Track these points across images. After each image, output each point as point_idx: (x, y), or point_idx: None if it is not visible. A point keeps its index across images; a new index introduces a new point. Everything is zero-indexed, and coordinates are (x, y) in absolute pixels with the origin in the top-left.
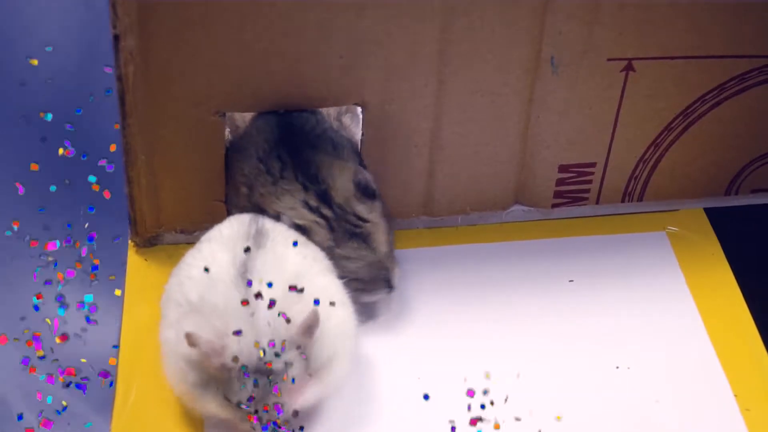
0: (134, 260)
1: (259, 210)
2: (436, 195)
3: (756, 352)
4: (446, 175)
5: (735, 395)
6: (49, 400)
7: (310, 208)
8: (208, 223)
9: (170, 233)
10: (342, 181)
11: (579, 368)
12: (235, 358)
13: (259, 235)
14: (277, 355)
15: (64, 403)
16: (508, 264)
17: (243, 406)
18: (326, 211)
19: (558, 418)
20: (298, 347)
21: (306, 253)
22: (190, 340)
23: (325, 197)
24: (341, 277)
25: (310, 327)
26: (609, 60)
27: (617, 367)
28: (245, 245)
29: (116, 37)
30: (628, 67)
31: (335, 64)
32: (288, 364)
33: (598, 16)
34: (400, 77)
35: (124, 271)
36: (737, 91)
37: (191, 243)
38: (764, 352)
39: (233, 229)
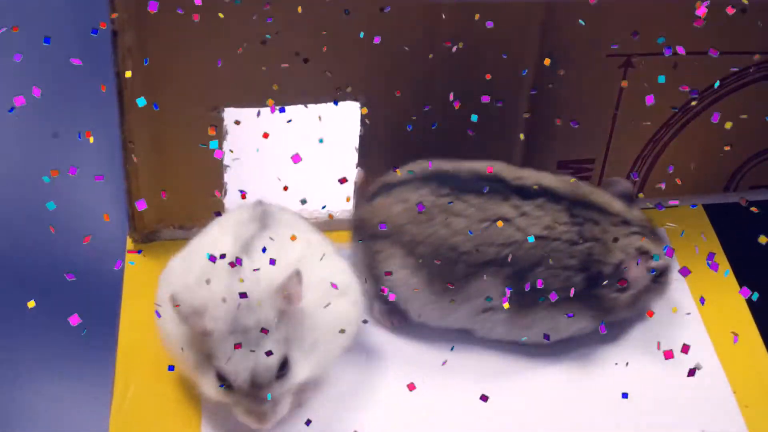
0: (132, 256)
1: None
2: None
3: (755, 348)
4: None
5: (734, 392)
6: None
7: (629, 234)
8: (206, 219)
9: (168, 229)
10: (618, 204)
11: (576, 362)
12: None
13: (265, 217)
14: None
15: None
16: None
17: (227, 375)
18: (635, 228)
19: (559, 412)
20: (279, 312)
21: (311, 239)
22: (173, 300)
23: (626, 222)
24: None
25: (288, 289)
26: (608, 56)
27: (616, 364)
28: (251, 228)
29: (114, 34)
30: (627, 63)
31: (334, 60)
32: (263, 325)
33: (597, 12)
34: (398, 73)
35: (123, 267)
36: (736, 88)
37: (190, 239)
38: (763, 348)
39: (240, 213)
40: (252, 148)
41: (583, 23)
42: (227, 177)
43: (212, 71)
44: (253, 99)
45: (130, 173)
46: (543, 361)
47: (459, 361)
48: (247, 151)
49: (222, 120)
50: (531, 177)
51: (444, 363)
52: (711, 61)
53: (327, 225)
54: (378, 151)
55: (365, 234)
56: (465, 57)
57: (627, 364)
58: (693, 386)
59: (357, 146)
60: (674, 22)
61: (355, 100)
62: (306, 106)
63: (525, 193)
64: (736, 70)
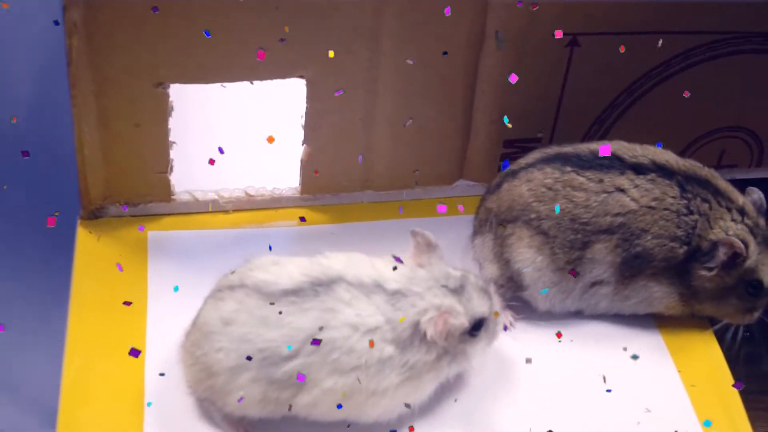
0: (80, 233)
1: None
2: (380, 170)
3: (699, 327)
4: (390, 149)
5: (679, 371)
6: None
7: (737, 222)
8: (152, 196)
9: (114, 205)
10: (743, 198)
11: (527, 342)
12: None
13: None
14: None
15: None
16: (453, 238)
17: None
18: (747, 221)
19: (510, 400)
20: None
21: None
22: (447, 323)
23: (741, 212)
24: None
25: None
26: (554, 35)
27: (560, 341)
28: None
29: (64, 9)
30: (573, 43)
31: (280, 37)
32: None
33: None
34: (343, 51)
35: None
36: (682, 68)
37: (136, 216)
38: (709, 328)
39: (271, 273)
40: (198, 124)
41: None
42: (173, 154)
43: (157, 47)
44: (198, 76)
45: (77, 148)
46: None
47: None
48: (193, 128)
49: (167, 96)
50: (647, 154)
51: None
52: (657, 40)
53: (273, 203)
54: (325, 129)
55: (494, 222)
56: (409, 35)
57: (571, 340)
58: (638, 366)
59: (303, 123)
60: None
61: (302, 77)
62: (252, 83)
63: (639, 168)
64: (682, 50)
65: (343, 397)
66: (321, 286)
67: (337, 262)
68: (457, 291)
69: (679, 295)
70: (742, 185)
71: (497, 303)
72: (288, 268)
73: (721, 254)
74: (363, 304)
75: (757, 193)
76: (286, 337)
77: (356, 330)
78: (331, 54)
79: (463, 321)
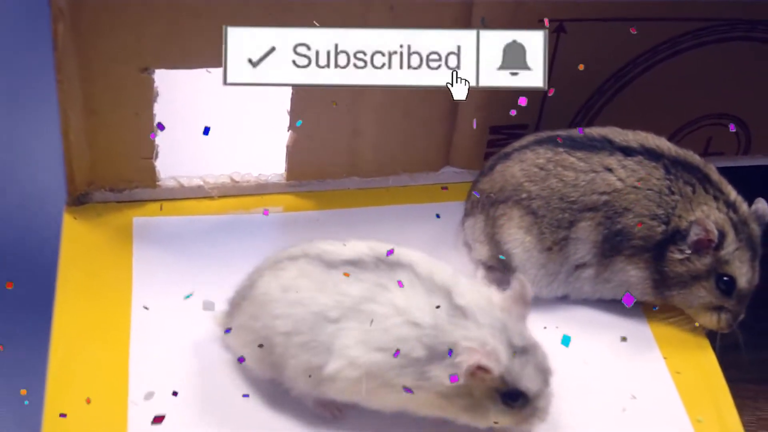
0: (66, 219)
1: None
2: (366, 156)
3: (686, 314)
4: (376, 135)
5: (665, 358)
6: None
7: (721, 212)
8: (137, 181)
9: (100, 191)
10: (738, 196)
11: None
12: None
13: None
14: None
15: None
16: (439, 225)
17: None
18: (733, 215)
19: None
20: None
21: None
22: (473, 366)
23: (729, 205)
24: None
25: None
26: (540, 21)
27: (545, 328)
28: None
29: None
30: (560, 29)
31: (264, 21)
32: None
33: None
34: None
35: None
36: (669, 55)
37: (121, 201)
38: None
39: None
40: (184, 110)
41: None
42: (158, 140)
43: (142, 32)
44: (183, 61)
45: (62, 133)
46: None
47: None
48: (178, 114)
49: (152, 81)
50: (638, 139)
51: None
52: (645, 27)
53: (259, 189)
54: (311, 114)
55: (486, 204)
56: (396, 21)
57: (557, 327)
58: (624, 353)
59: (289, 109)
60: None
61: None
62: None
63: (627, 150)
64: (668, 37)
65: (360, 376)
66: (384, 263)
67: (415, 255)
68: (516, 350)
69: (652, 281)
70: (729, 173)
71: (549, 395)
72: (354, 243)
73: (693, 234)
74: (419, 297)
75: (762, 203)
76: (335, 302)
77: (399, 314)
78: None
79: (495, 368)
